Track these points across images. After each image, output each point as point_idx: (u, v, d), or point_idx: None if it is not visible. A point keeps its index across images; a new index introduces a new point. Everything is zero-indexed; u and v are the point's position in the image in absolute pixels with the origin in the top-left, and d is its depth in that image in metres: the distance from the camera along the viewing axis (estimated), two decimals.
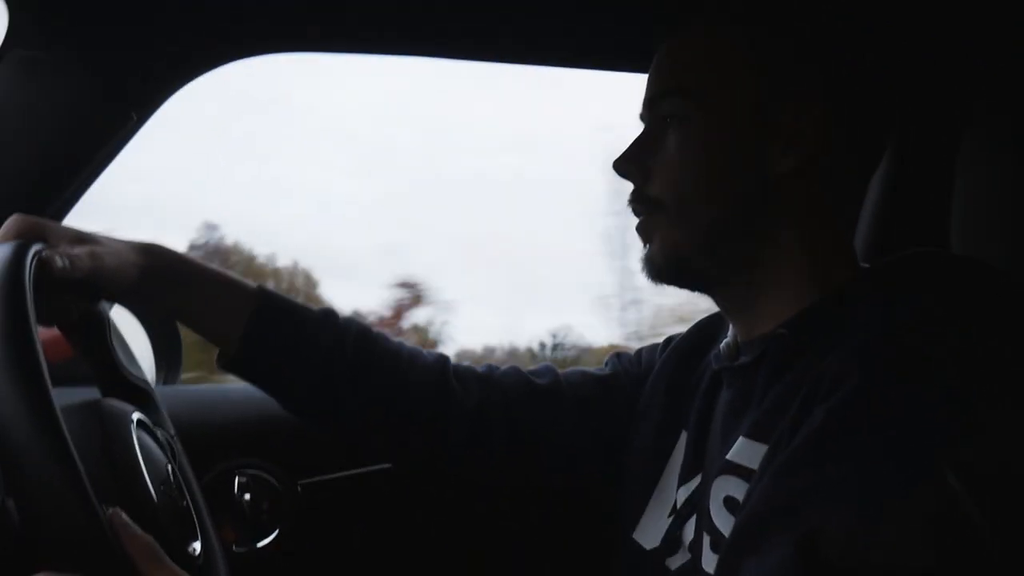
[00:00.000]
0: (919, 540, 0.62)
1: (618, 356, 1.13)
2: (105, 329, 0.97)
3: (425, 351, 1.06)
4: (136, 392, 0.95)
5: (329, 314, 1.03)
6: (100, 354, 0.96)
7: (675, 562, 0.90)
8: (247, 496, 1.25)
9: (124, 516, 0.68)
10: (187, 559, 0.79)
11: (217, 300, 0.98)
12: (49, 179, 1.05)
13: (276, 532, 1.26)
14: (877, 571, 0.62)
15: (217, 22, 1.05)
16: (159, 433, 0.89)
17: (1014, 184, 0.98)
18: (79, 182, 1.08)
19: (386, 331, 1.06)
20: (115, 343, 0.98)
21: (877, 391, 0.68)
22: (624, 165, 0.89)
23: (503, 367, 1.09)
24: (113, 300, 0.98)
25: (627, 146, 0.90)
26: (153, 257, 0.95)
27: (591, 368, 1.11)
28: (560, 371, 1.09)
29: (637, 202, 0.89)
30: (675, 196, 0.86)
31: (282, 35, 1.12)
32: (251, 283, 1.01)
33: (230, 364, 1.00)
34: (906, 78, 0.93)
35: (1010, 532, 0.63)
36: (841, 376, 0.70)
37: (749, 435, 0.81)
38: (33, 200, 1.03)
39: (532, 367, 1.10)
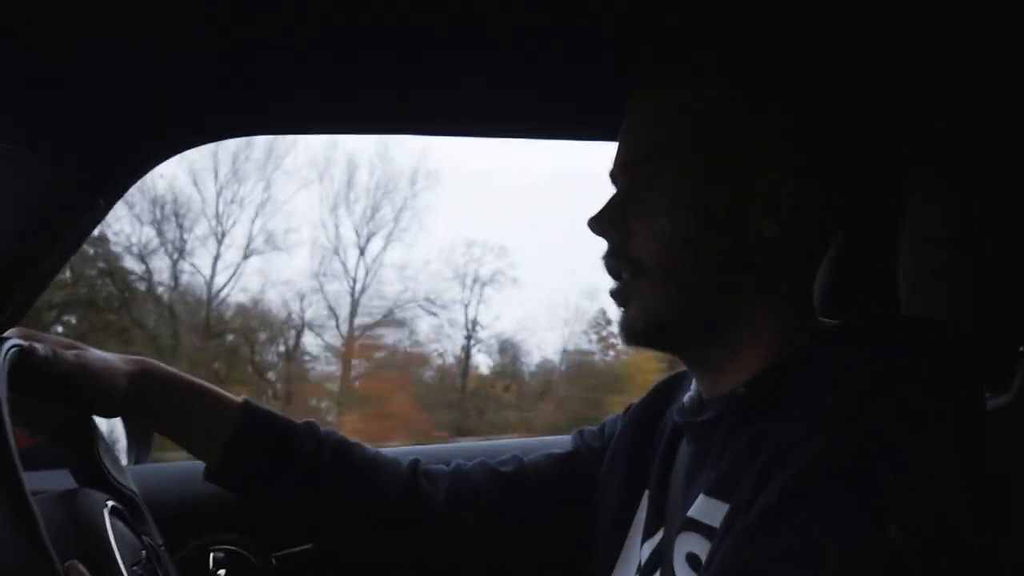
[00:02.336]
0: None
1: (580, 432, 1.15)
2: (93, 438, 0.98)
3: (399, 458, 1.10)
4: (123, 500, 0.96)
5: (310, 426, 1.06)
6: (87, 463, 0.97)
7: None
8: (222, 572, 1.25)
9: (80, 567, 0.69)
10: None
11: (203, 414, 1.02)
12: (16, 267, 1.06)
13: None
14: None
15: (175, 109, 1.07)
16: (144, 540, 0.89)
17: (954, 237, 1.03)
18: (48, 267, 1.09)
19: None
20: (102, 452, 0.99)
21: (828, 460, 0.71)
22: (601, 224, 0.90)
23: (470, 463, 1.11)
24: (99, 408, 0.99)
25: (604, 204, 0.90)
26: (142, 368, 0.98)
27: (555, 449, 1.13)
28: (526, 458, 1.12)
29: (617, 260, 0.90)
30: (658, 259, 0.86)
31: (245, 119, 1.14)
32: (236, 398, 1.04)
33: (213, 475, 1.03)
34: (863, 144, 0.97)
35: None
36: (798, 442, 0.73)
37: (709, 493, 0.82)
38: (2, 287, 1.04)
39: (499, 458, 1.13)
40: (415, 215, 9.64)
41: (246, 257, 9.00)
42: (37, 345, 0.86)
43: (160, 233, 8.84)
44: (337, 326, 9.29)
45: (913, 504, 0.68)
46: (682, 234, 0.86)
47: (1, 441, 0.67)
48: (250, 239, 9.03)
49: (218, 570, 1.25)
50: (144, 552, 0.87)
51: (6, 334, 0.88)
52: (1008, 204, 1.00)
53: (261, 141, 9.14)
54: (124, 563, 0.80)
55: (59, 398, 0.94)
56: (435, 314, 9.40)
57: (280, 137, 9.51)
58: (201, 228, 9.03)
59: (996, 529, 0.76)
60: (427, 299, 9.27)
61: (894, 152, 1.13)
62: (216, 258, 8.94)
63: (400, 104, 1.15)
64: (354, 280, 9.22)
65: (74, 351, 0.92)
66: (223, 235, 8.97)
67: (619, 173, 0.92)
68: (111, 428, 1.33)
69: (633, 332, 0.90)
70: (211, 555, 1.25)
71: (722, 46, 0.91)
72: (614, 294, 0.91)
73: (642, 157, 0.89)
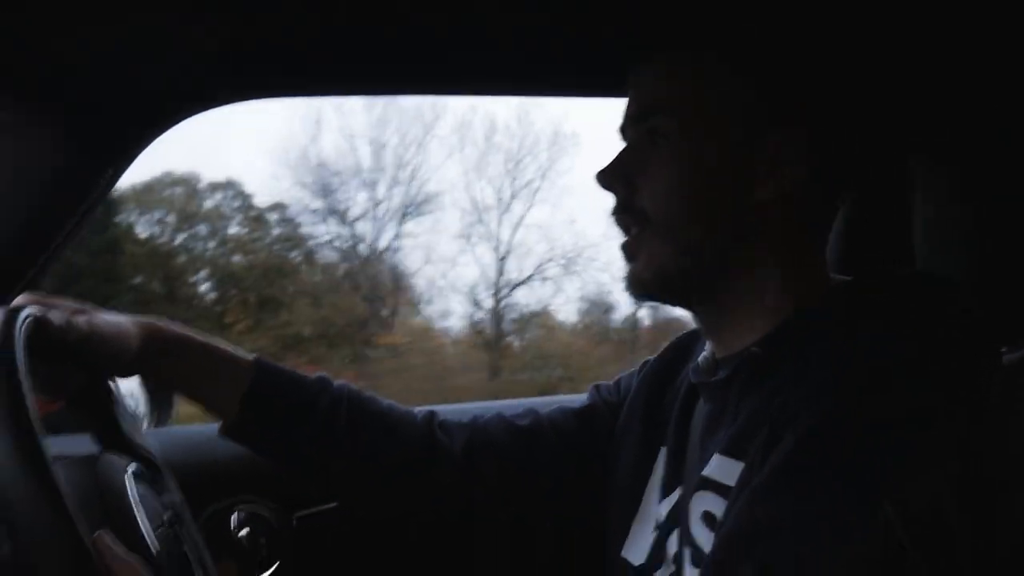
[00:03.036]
0: (864, 572, 0.67)
1: (597, 387, 1.15)
2: (110, 401, 1.00)
3: (414, 409, 1.10)
4: (143, 462, 0.96)
5: (323, 380, 1.06)
6: (105, 425, 0.99)
7: (661, 575, 0.93)
8: (244, 532, 1.27)
9: (107, 539, 0.70)
10: None
11: (216, 373, 1.02)
12: (28, 237, 1.07)
13: (276, 565, 1.28)
14: None
15: (181, 75, 1.07)
16: (166, 502, 0.90)
17: (970, 199, 1.02)
18: (60, 239, 1.10)
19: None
20: (120, 414, 1.00)
21: (838, 423, 0.71)
22: (608, 178, 0.91)
23: (486, 416, 1.12)
24: (112, 371, 1.00)
25: (611, 159, 0.91)
26: (153, 330, 0.99)
27: (572, 403, 1.14)
28: (542, 411, 1.12)
29: (624, 213, 0.90)
30: (664, 213, 0.87)
31: (246, 84, 1.13)
32: (248, 355, 1.05)
33: (229, 432, 1.04)
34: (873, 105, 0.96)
35: (934, 561, 0.67)
36: (810, 402, 0.73)
37: (725, 452, 0.83)
38: (13, 258, 1.05)
39: (515, 412, 1.13)
40: (556, 176, 9.90)
41: (403, 221, 9.32)
42: (51, 313, 0.87)
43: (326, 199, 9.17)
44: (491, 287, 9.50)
45: (911, 480, 0.69)
46: (684, 190, 0.86)
47: (22, 410, 0.67)
48: (407, 203, 9.36)
49: (240, 531, 1.27)
50: (166, 516, 0.88)
51: (17, 301, 0.89)
52: (1020, 160, 0.99)
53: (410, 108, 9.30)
54: (148, 527, 0.81)
55: (74, 363, 0.95)
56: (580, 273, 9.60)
57: (429, 104, 9.67)
58: (360, 194, 9.39)
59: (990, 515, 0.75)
60: (571, 258, 9.49)
61: (902, 109, 1.12)
62: (377, 223, 9.26)
63: (404, 64, 1.14)
64: (499, 241, 9.46)
65: (85, 316, 0.92)
66: (379, 201, 9.31)
67: (627, 127, 0.93)
68: (132, 393, 1.34)
69: (638, 285, 0.90)
70: (232, 516, 1.28)
71: (726, 6, 0.90)
72: (623, 248, 0.92)
73: (646, 113, 0.89)
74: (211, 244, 9.33)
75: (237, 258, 9.23)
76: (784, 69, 0.86)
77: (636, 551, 0.98)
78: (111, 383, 1.01)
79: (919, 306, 0.82)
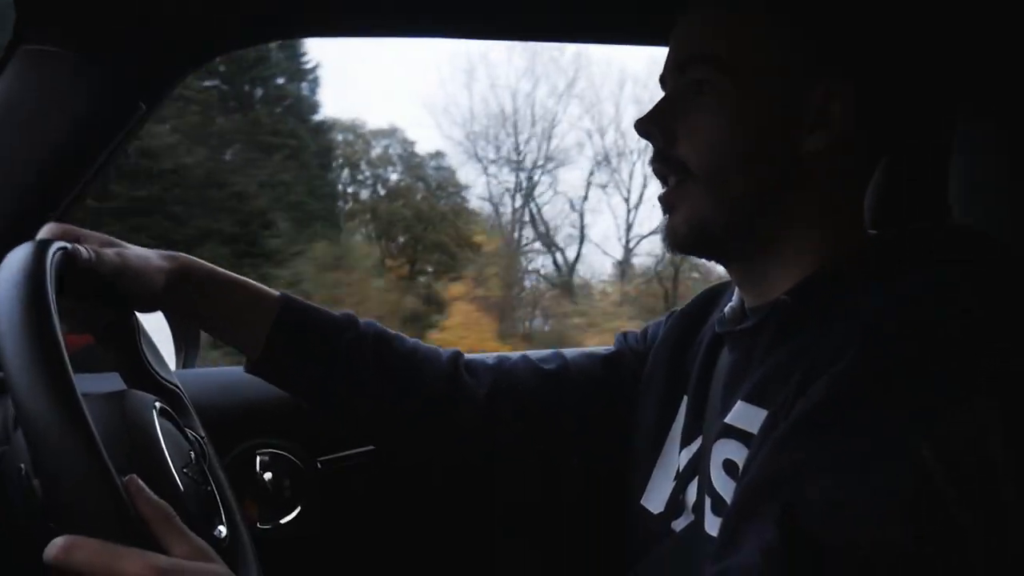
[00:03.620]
0: (896, 516, 0.64)
1: (624, 335, 1.15)
2: (135, 335, 0.99)
3: (440, 349, 1.10)
4: (168, 395, 0.97)
5: (349, 317, 1.06)
6: (131, 359, 0.98)
7: (679, 524, 0.92)
8: (268, 474, 1.28)
9: (140, 482, 0.69)
10: (213, 542, 0.81)
11: (241, 308, 1.02)
12: (60, 171, 1.06)
13: (298, 509, 1.28)
14: (854, 545, 0.64)
15: (218, 12, 1.06)
16: (188, 434, 0.90)
17: (1009, 155, 0.99)
18: (90, 173, 1.09)
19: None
20: (145, 348, 1.00)
21: (874, 367, 0.69)
22: (647, 126, 0.89)
23: (512, 358, 1.12)
24: (138, 306, 0.99)
25: (651, 107, 0.89)
26: (179, 264, 0.98)
27: (598, 349, 1.13)
28: (567, 355, 1.12)
29: (662, 163, 0.89)
30: (706, 164, 0.85)
31: (290, 20, 1.12)
32: (273, 291, 1.04)
33: (255, 368, 1.04)
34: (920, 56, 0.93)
35: (976, 507, 0.64)
36: (843, 349, 0.71)
37: (748, 399, 0.83)
38: (45, 192, 1.04)
39: (541, 354, 1.13)
40: None
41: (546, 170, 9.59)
42: (80, 247, 0.86)
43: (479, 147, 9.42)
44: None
45: (949, 430, 0.66)
46: (728, 142, 0.85)
47: (54, 346, 0.66)
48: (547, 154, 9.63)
49: (264, 473, 1.27)
50: (192, 453, 0.88)
51: (46, 233, 0.89)
52: None
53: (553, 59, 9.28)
54: (174, 466, 0.81)
55: (102, 298, 0.94)
56: None
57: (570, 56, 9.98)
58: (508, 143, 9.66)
59: None
60: None
61: (947, 67, 1.09)
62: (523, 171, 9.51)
63: (450, 8, 1.12)
64: (628, 191, 9.63)
65: (115, 249, 0.92)
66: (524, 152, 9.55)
67: (668, 77, 0.91)
68: (158, 331, 1.35)
69: (676, 238, 0.89)
70: (257, 458, 1.28)
71: None
72: (661, 199, 0.90)
73: (691, 62, 0.87)
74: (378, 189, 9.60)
75: (399, 204, 9.46)
76: (832, 17, 0.84)
77: (655, 500, 0.98)
78: (137, 319, 1.01)
79: (955, 258, 0.80)
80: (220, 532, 0.83)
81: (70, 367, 0.67)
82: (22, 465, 0.73)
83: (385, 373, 1.04)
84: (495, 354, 1.15)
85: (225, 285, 1.02)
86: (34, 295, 0.69)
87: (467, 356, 1.11)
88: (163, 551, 0.67)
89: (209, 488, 0.88)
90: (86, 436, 0.64)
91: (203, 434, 0.97)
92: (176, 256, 0.99)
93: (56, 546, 0.63)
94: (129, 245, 0.95)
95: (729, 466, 0.84)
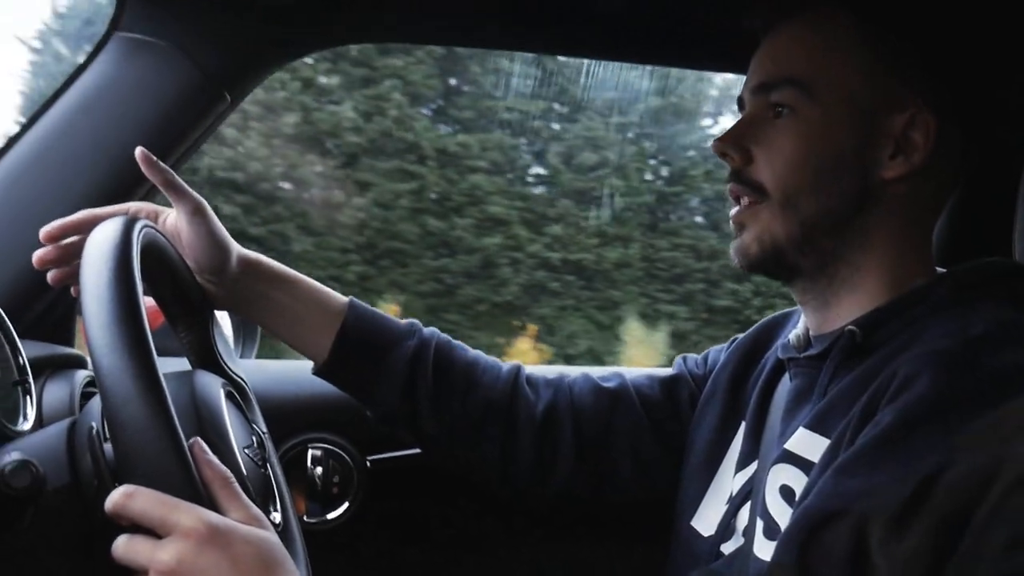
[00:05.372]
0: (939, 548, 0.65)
1: (684, 359, 1.15)
2: (209, 324, 1.01)
3: (501, 362, 1.10)
4: (235, 388, 0.98)
5: (413, 326, 1.07)
6: (203, 347, 1.01)
7: (729, 547, 0.92)
8: (319, 469, 1.29)
9: (204, 445, 0.71)
10: None
11: (309, 311, 1.04)
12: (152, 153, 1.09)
13: (346, 505, 1.30)
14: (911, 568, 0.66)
15: (313, 11, 1.08)
16: (254, 426, 0.92)
17: None
18: (175, 160, 1.12)
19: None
20: (217, 339, 1.02)
21: (943, 400, 0.69)
22: (725, 146, 0.89)
23: (573, 375, 1.12)
24: (212, 289, 1.01)
25: (730, 127, 0.90)
26: (255, 258, 1.02)
27: (659, 371, 1.14)
28: (628, 375, 1.12)
29: (739, 183, 0.89)
30: (782, 187, 0.86)
31: (369, 25, 1.14)
32: (340, 296, 1.06)
33: (321, 372, 1.06)
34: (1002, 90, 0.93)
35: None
36: (911, 379, 0.71)
37: (809, 427, 0.82)
38: (132, 176, 1.07)
39: (602, 372, 1.13)
40: None
41: None
42: (163, 220, 0.90)
43: None
44: None
45: (1013, 459, 0.65)
46: (805, 165, 0.85)
47: (137, 321, 0.68)
48: None
49: (315, 467, 1.29)
50: (254, 438, 0.90)
51: (133, 207, 0.92)
52: None
53: None
54: (237, 446, 0.82)
55: (180, 281, 0.97)
56: None
57: None
58: None
59: None
60: None
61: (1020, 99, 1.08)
62: None
63: (524, 23, 1.14)
64: None
65: (201, 215, 0.95)
66: None
67: (748, 97, 0.91)
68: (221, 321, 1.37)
69: (747, 257, 0.89)
70: (309, 452, 1.29)
71: None
72: (732, 218, 0.91)
73: (773, 83, 0.87)
74: None
75: None
76: (918, 47, 0.84)
77: (706, 522, 0.97)
78: (213, 311, 1.03)
79: (1022, 295, 0.80)
80: (275, 518, 0.84)
81: (150, 336, 0.69)
82: (93, 425, 0.76)
83: (445, 383, 1.05)
84: (557, 368, 1.15)
85: (293, 285, 1.04)
86: (121, 268, 0.71)
87: (528, 370, 1.11)
88: (220, 513, 0.68)
89: (267, 473, 0.89)
90: (158, 398, 0.66)
91: (265, 430, 0.99)
92: (251, 252, 1.02)
93: (116, 494, 0.66)
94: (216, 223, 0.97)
95: (786, 492, 0.83)
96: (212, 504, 0.69)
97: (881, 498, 0.68)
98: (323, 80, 5.08)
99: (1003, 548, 0.64)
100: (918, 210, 0.86)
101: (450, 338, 1.10)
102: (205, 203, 0.95)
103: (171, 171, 0.94)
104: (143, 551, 0.66)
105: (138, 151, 0.92)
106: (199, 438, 0.72)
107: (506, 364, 1.11)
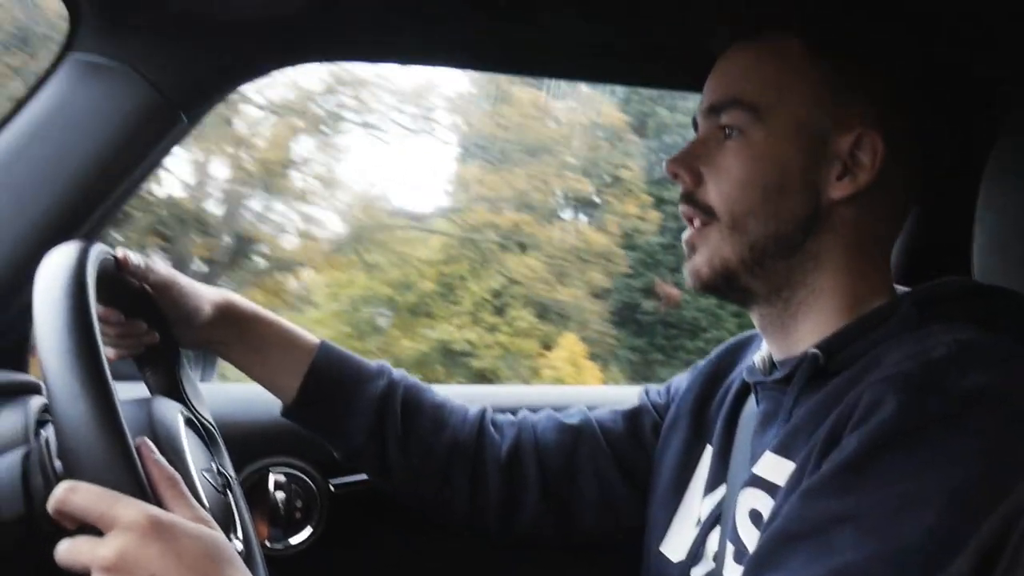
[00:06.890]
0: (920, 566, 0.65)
1: (646, 390, 1.15)
2: (177, 366, 1.01)
3: (467, 406, 1.11)
4: (203, 431, 0.97)
5: (383, 368, 1.08)
6: (169, 388, 1.00)
7: (699, 572, 0.92)
8: (281, 494, 1.27)
9: (151, 444, 0.70)
10: None
11: (278, 352, 1.04)
12: (102, 179, 1.07)
13: (309, 530, 1.28)
14: None
15: (265, 33, 1.08)
16: (215, 465, 0.90)
17: None
18: (130, 182, 1.11)
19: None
20: (185, 381, 1.01)
21: (909, 423, 0.70)
22: (676, 167, 0.90)
23: (537, 414, 1.13)
24: (183, 333, 1.00)
25: (681, 149, 0.91)
26: (227, 300, 1.02)
27: (622, 406, 1.14)
28: (592, 411, 1.13)
29: (690, 205, 0.90)
30: (729, 209, 0.86)
31: (328, 45, 1.14)
32: (312, 337, 1.06)
33: (288, 413, 1.06)
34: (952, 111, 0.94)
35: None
36: (875, 403, 0.71)
37: (776, 450, 0.83)
38: (86, 200, 1.05)
39: (566, 410, 1.14)
40: None
41: None
42: (131, 254, 0.88)
43: None
44: None
45: (984, 489, 0.66)
46: (753, 186, 0.85)
47: (91, 344, 0.67)
48: None
49: (277, 492, 1.27)
50: (214, 464, 0.88)
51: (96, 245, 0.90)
52: None
53: None
54: (195, 468, 0.81)
55: (149, 317, 0.95)
56: None
57: None
58: None
59: None
60: None
61: (976, 121, 1.10)
62: None
63: (480, 42, 1.14)
64: None
65: (166, 267, 0.95)
66: None
67: (700, 119, 0.92)
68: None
69: (699, 279, 0.90)
70: (271, 477, 1.27)
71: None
72: (685, 241, 0.91)
73: (722, 105, 0.88)
74: None
75: None
76: (864, 69, 0.85)
77: (675, 547, 0.97)
78: (180, 352, 1.02)
79: (981, 315, 0.81)
80: (236, 545, 0.83)
81: (104, 355, 0.68)
82: (45, 447, 0.74)
83: (413, 424, 1.06)
84: (523, 410, 1.15)
85: (266, 327, 1.04)
86: (75, 290, 0.70)
87: (493, 412, 1.11)
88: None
89: (227, 500, 0.88)
90: (107, 404, 0.65)
91: (233, 475, 0.98)
92: (224, 292, 1.02)
93: (58, 489, 0.64)
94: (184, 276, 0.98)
95: (755, 516, 0.83)
96: (158, 503, 0.67)
97: (838, 530, 0.68)
98: None
99: None
100: (870, 230, 0.87)
101: (418, 380, 1.10)
102: (171, 276, 0.95)
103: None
104: (85, 549, 0.64)
105: None
106: (145, 438, 0.71)
107: (473, 407, 1.11)
